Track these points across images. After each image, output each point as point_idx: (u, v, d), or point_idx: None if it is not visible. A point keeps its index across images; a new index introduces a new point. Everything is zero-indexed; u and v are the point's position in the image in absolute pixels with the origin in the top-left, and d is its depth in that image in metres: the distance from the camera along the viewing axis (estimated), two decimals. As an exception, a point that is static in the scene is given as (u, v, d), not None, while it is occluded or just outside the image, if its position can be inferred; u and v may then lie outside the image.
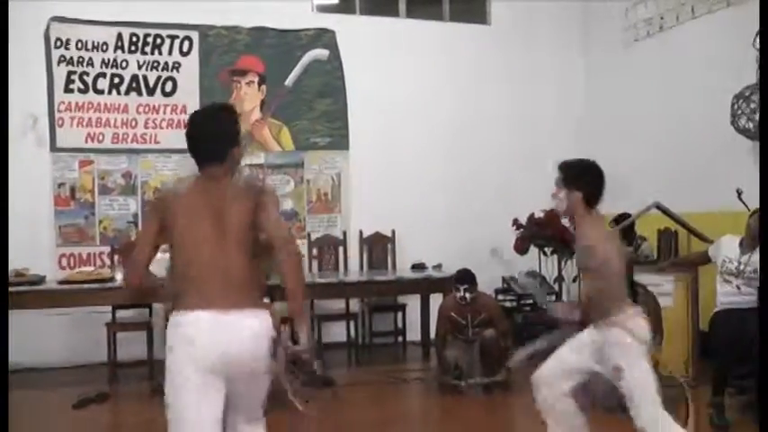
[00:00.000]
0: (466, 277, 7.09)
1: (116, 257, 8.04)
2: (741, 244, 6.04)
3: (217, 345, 3.17)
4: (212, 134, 3.36)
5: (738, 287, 5.92)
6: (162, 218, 3.35)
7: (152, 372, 7.43)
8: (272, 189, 3.56)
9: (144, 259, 3.36)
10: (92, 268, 8.08)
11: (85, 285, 7.15)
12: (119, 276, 7.33)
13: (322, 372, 6.91)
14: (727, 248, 6.10)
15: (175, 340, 3.22)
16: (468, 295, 7.04)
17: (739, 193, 6.52)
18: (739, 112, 7.30)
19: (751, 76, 7.28)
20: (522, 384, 6.98)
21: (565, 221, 7.87)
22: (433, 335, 8.23)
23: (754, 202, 6.24)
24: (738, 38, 7.46)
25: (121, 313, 7.83)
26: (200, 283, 3.24)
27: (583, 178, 4.12)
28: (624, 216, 7.89)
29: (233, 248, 3.26)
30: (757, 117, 7.14)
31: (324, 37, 9.23)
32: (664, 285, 7.00)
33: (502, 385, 6.84)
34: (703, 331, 6.66)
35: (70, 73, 8.43)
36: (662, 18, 8.77)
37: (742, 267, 5.94)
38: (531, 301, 8.92)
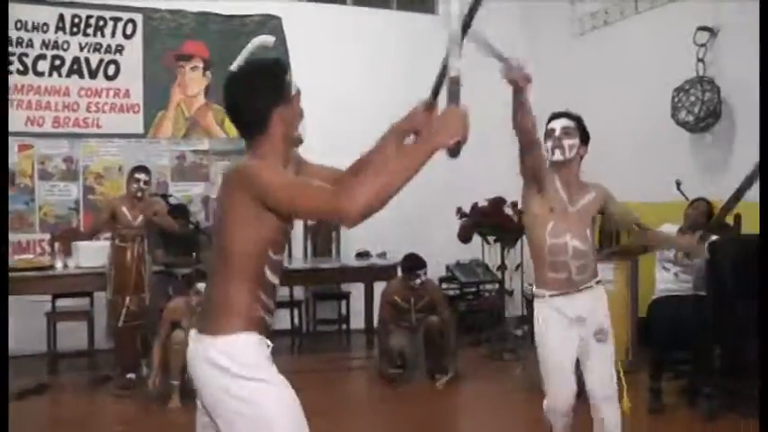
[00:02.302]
0: (420, 263, 7.09)
1: (56, 245, 7.91)
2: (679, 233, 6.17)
3: None
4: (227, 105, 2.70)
5: (677, 274, 6.07)
6: None
7: (93, 362, 7.34)
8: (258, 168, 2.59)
9: None
10: (31, 256, 7.92)
11: (25, 273, 7.05)
12: (59, 264, 7.24)
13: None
14: (666, 237, 6.22)
15: None
16: (420, 280, 7.09)
17: (678, 184, 6.67)
18: (679, 105, 7.45)
19: (691, 70, 7.44)
20: (465, 372, 7.10)
21: (508, 210, 7.95)
22: (377, 323, 8.27)
23: (692, 192, 6.40)
24: (679, 33, 7.62)
25: (61, 302, 7.72)
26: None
27: (587, 134, 4.25)
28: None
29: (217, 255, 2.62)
30: (696, 110, 7.29)
31: (270, 23, 9.15)
32: (604, 273, 7.10)
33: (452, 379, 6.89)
34: (642, 318, 6.80)
35: (9, 54, 8.24)
36: (606, 12, 8.90)
37: (680, 255, 6.06)
38: (474, 290, 9.00)
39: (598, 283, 4.14)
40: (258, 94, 2.58)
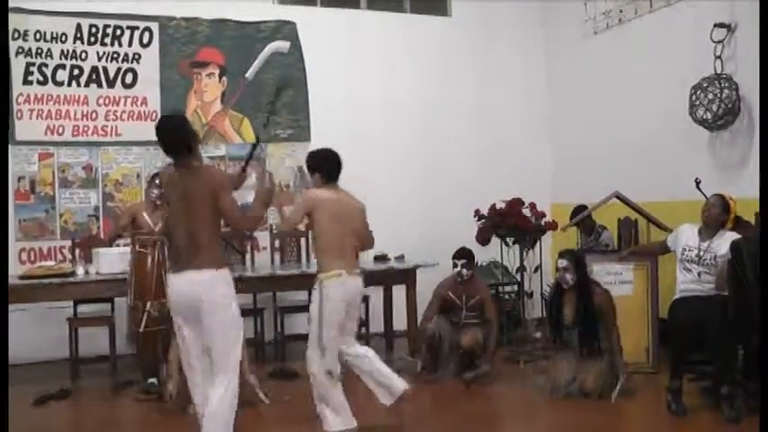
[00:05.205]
0: (464, 253, 7.24)
1: (77, 251, 7.96)
2: (700, 232, 6.15)
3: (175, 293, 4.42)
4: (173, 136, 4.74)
5: (699, 275, 6.04)
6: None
7: (114, 367, 7.38)
8: (224, 177, 4.73)
9: None
10: (52, 263, 7.96)
11: (46, 280, 7.06)
12: (80, 271, 7.27)
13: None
14: (687, 237, 6.21)
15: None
16: (465, 271, 7.14)
17: (697, 183, 6.63)
18: (697, 102, 7.41)
19: (708, 67, 7.41)
20: (499, 372, 7.12)
21: (526, 211, 7.96)
22: (395, 325, 8.32)
23: (711, 191, 6.36)
24: (696, 31, 7.59)
25: (83, 308, 7.76)
26: (174, 252, 4.53)
27: (319, 165, 5.55)
28: (581, 208, 8.01)
29: (197, 222, 4.41)
30: (714, 107, 7.25)
31: (284, 29, 9.19)
32: (623, 274, 7.12)
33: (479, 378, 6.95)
34: (663, 319, 6.76)
35: (29, 65, 8.31)
36: (621, 11, 8.86)
37: (702, 254, 6.04)
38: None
39: None
40: (185, 135, 4.68)
